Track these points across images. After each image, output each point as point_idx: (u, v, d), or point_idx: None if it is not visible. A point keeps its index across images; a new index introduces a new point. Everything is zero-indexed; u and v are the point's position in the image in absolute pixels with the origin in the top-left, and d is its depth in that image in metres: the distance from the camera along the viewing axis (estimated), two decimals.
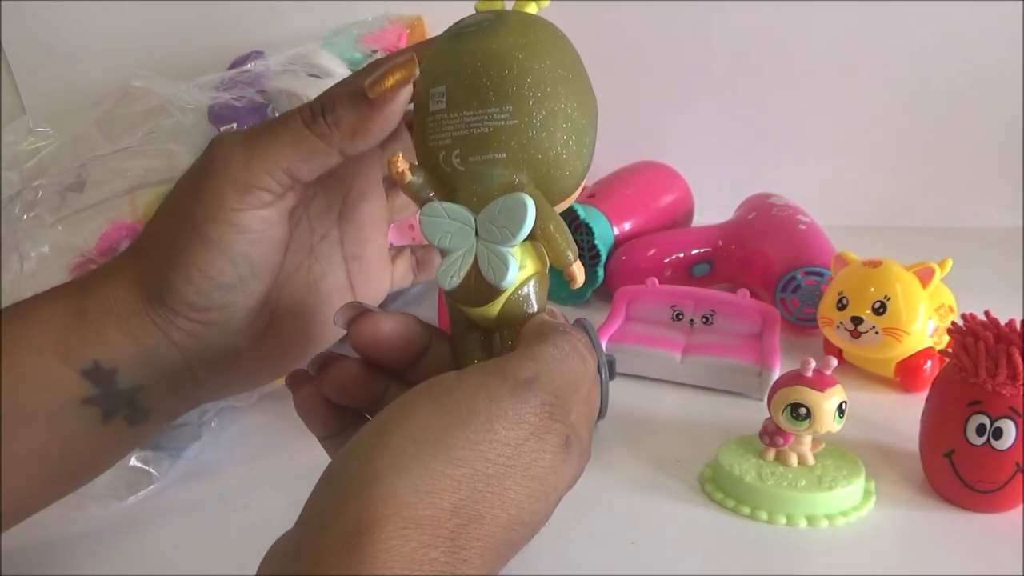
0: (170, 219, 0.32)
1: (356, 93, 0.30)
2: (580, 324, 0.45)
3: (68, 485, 0.34)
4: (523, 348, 0.27)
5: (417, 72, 0.30)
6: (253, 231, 0.31)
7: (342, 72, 0.61)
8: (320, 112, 0.30)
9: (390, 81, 0.30)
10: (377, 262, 0.38)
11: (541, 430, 0.25)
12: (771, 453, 0.41)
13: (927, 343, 0.50)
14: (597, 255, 0.64)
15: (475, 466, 0.24)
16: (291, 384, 0.31)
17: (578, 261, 0.29)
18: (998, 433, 0.38)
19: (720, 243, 0.65)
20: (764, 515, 0.39)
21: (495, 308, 0.28)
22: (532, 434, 0.25)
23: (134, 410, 0.33)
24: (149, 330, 0.32)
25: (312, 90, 0.54)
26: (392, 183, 0.36)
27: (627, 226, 0.67)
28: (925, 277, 0.49)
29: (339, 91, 0.31)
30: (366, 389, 0.30)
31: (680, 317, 0.56)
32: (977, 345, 0.38)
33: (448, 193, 0.29)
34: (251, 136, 0.30)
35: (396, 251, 0.39)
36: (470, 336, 0.30)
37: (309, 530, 0.23)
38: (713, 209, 0.70)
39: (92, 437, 0.32)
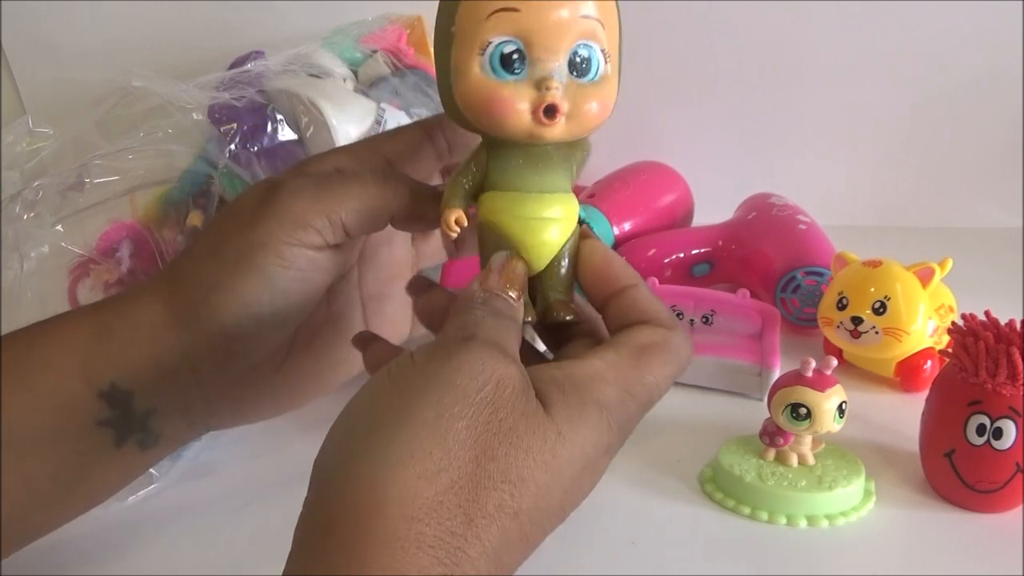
0: (217, 242, 0.32)
1: (436, 196, 0.31)
2: None
3: (79, 507, 0.34)
4: (449, 321, 0.28)
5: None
6: (300, 268, 0.31)
7: (342, 72, 0.61)
8: (394, 176, 0.32)
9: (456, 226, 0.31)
10: (397, 306, 0.38)
11: (498, 375, 0.25)
12: (771, 453, 0.41)
13: (927, 343, 0.50)
14: None
15: (442, 424, 0.23)
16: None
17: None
18: (998, 433, 0.38)
19: (720, 243, 0.65)
20: (764, 515, 0.39)
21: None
22: (491, 378, 0.25)
23: (146, 434, 0.33)
24: (170, 354, 0.32)
25: (312, 90, 0.54)
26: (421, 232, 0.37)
27: (627, 226, 0.67)
28: (925, 277, 0.49)
29: (426, 187, 0.32)
30: None
31: (680, 317, 0.56)
32: (977, 345, 0.38)
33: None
34: (321, 181, 0.32)
35: None
36: None
37: (297, 527, 0.24)
38: (713, 209, 0.70)
39: (105, 459, 0.32)
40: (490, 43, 0.27)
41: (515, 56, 0.27)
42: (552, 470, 0.25)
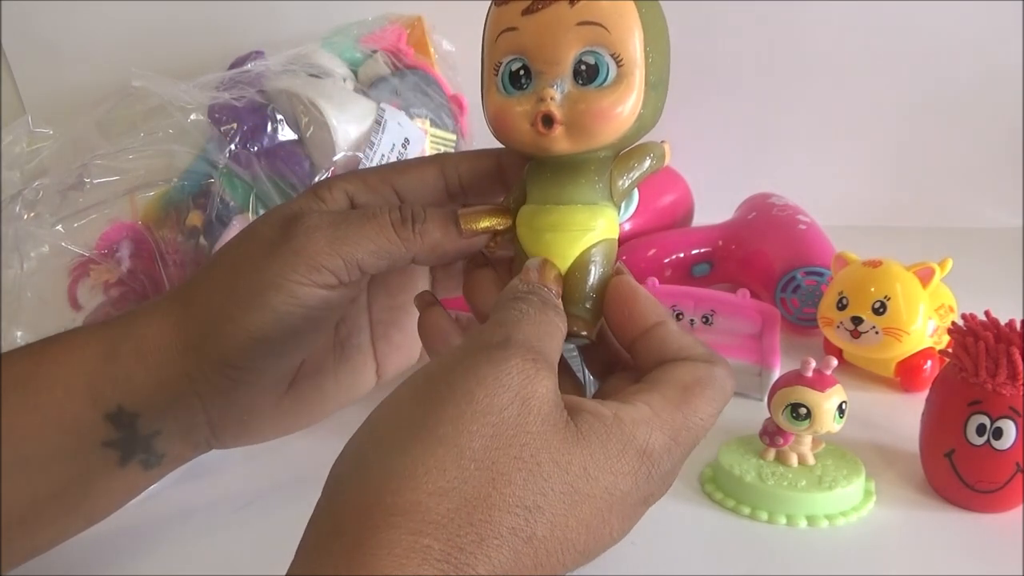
0: (231, 274, 0.32)
1: (448, 216, 0.31)
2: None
3: (81, 523, 0.34)
4: (490, 317, 0.27)
5: (510, 223, 0.31)
6: (311, 307, 0.31)
7: (342, 72, 0.61)
8: (411, 218, 0.31)
9: (484, 224, 0.31)
10: (406, 334, 0.37)
11: (525, 393, 0.24)
12: (771, 453, 0.41)
13: (927, 343, 0.50)
14: None
15: (459, 441, 0.23)
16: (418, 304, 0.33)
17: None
18: (998, 433, 0.38)
19: (720, 243, 0.65)
20: (764, 515, 0.39)
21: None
22: (516, 397, 0.24)
23: (150, 454, 0.33)
24: (177, 378, 0.32)
25: (312, 90, 0.54)
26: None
27: (627, 226, 0.67)
28: (925, 277, 0.49)
29: (432, 210, 0.31)
30: None
31: (680, 317, 0.56)
32: (977, 345, 0.38)
33: None
34: (338, 220, 0.31)
35: None
36: None
37: (307, 526, 0.23)
38: (713, 209, 0.70)
39: (108, 479, 0.33)
40: (501, 63, 0.29)
41: (522, 72, 0.28)
42: (571, 503, 0.24)
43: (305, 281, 0.30)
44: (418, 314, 0.37)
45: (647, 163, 0.31)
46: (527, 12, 0.28)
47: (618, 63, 0.28)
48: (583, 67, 0.28)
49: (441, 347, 0.31)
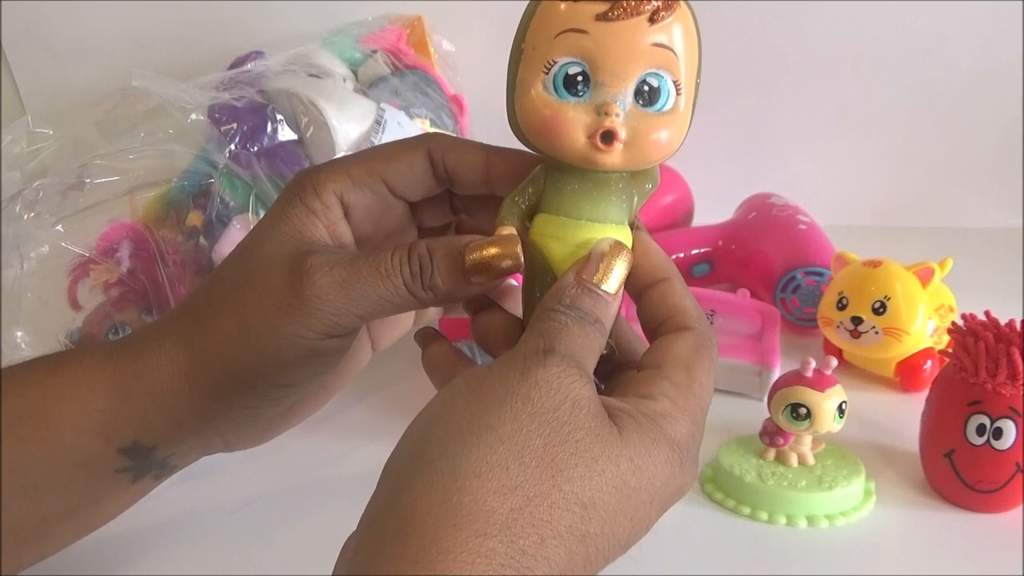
0: (241, 326, 0.31)
1: (455, 260, 0.30)
2: None
3: (89, 531, 0.34)
4: (529, 327, 0.27)
5: (519, 263, 0.29)
6: (327, 355, 0.31)
7: (342, 72, 0.61)
8: (419, 275, 0.30)
9: (491, 253, 0.29)
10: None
11: (574, 395, 0.25)
12: (771, 453, 0.41)
13: (927, 343, 0.50)
14: None
15: (519, 439, 0.23)
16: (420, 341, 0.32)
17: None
18: (998, 433, 0.38)
19: (720, 243, 0.65)
20: (764, 515, 0.39)
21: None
22: (566, 399, 0.24)
23: (163, 470, 0.33)
24: (193, 417, 0.32)
25: (312, 90, 0.54)
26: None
27: None
28: (925, 277, 0.49)
29: (440, 253, 0.30)
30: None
31: None
32: (977, 345, 0.38)
33: None
34: (350, 279, 0.30)
35: None
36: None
37: (365, 525, 0.24)
38: (713, 209, 0.70)
39: (121, 495, 0.33)
40: (556, 63, 0.27)
41: (579, 78, 0.27)
42: (621, 497, 0.24)
43: (319, 336, 0.30)
44: (414, 313, 0.37)
45: (652, 186, 0.31)
46: (603, 18, 0.26)
47: (677, 91, 0.28)
48: (646, 88, 0.27)
49: (450, 379, 0.31)
